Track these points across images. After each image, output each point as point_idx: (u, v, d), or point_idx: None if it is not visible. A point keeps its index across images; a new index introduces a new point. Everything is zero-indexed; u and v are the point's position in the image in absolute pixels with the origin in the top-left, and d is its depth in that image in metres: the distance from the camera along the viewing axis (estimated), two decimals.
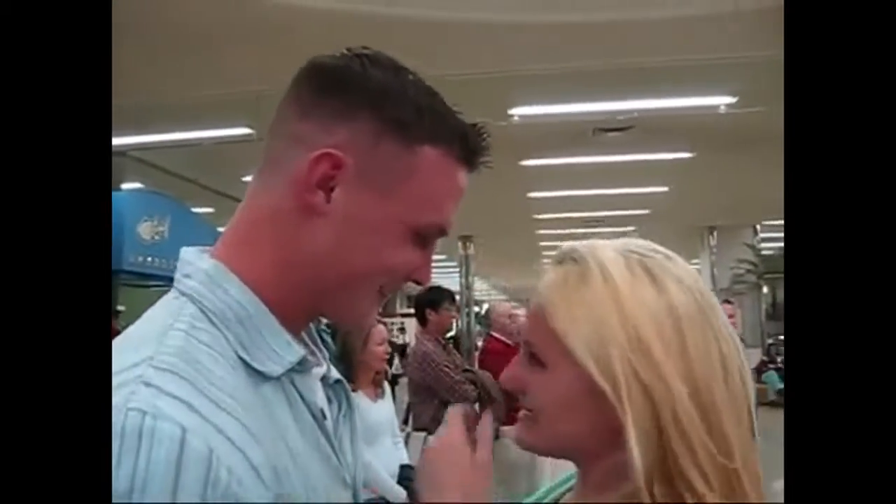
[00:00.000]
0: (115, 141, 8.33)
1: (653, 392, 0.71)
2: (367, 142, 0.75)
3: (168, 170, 10.12)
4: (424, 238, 0.79)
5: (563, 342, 0.75)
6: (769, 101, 7.12)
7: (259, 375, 0.71)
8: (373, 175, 0.75)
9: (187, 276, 0.77)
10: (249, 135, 8.08)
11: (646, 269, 0.78)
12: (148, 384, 0.62)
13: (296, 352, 0.75)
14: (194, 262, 0.78)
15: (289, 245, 0.76)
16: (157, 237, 9.57)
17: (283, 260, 0.76)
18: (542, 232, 15.16)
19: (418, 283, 0.83)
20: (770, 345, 15.36)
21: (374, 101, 0.75)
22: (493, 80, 6.72)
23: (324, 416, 0.79)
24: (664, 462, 0.70)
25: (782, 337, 15.97)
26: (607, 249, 0.80)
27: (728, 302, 5.59)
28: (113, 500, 0.57)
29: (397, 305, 19.22)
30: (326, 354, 0.89)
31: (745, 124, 7.69)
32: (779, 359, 14.80)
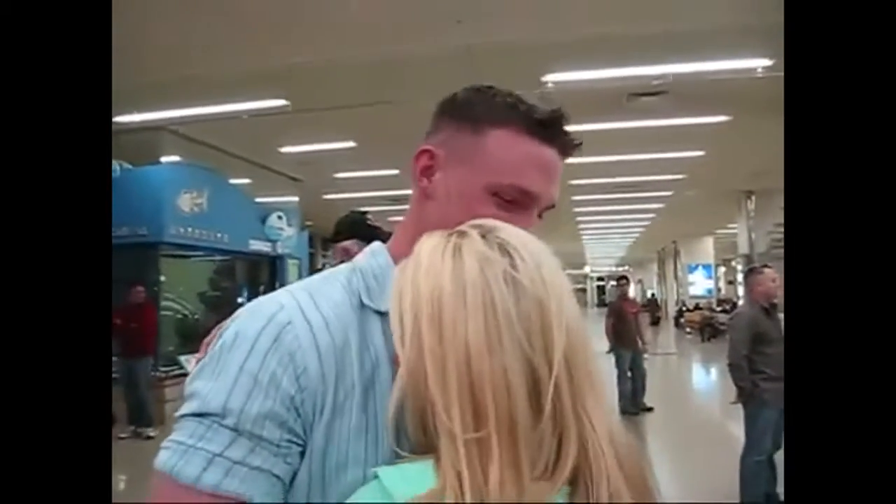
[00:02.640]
0: (153, 115, 8.47)
1: (416, 368, 0.77)
2: (451, 136, 1.03)
3: (206, 142, 10.26)
4: (506, 198, 0.99)
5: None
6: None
7: (368, 309, 0.97)
8: (457, 157, 1.02)
9: (364, 253, 1.09)
10: (285, 106, 8.15)
11: (455, 249, 0.83)
12: (287, 290, 0.97)
13: None
14: (372, 245, 1.10)
15: (417, 222, 1.04)
16: (196, 209, 9.73)
17: (414, 235, 0.97)
18: (576, 198, 15.12)
19: None
20: None
21: (454, 110, 1.05)
22: (526, 49, 6.71)
23: None
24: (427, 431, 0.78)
25: None
26: (435, 236, 0.87)
27: (767, 266, 5.55)
28: (219, 348, 0.88)
29: None
30: None
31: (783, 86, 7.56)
32: None
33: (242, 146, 10.57)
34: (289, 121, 8.77)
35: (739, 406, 5.10)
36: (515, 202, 1.00)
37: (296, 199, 13.42)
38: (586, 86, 7.45)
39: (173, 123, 9.13)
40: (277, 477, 0.85)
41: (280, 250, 12.04)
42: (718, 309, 22.19)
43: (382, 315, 0.96)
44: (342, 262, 3.50)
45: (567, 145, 1.03)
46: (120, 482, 6.79)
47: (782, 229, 14.10)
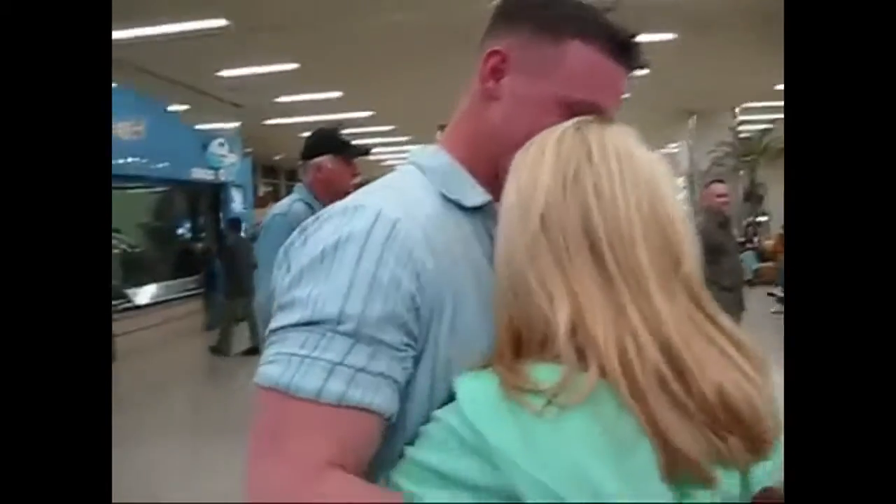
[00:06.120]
0: None
1: (503, 253, 0.83)
2: (526, 41, 0.98)
3: (143, 67, 9.84)
4: (577, 115, 0.93)
5: None
6: None
7: (454, 206, 0.97)
8: (531, 64, 0.97)
9: (412, 155, 1.05)
10: (226, 26, 7.83)
11: (556, 141, 0.85)
12: (366, 192, 0.94)
13: (485, 197, 0.98)
14: (417, 148, 1.08)
15: (477, 124, 1.02)
16: (135, 137, 9.42)
17: (473, 135, 1.02)
18: None
19: None
20: (747, 226, 15.56)
21: (531, 12, 0.99)
22: None
23: None
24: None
25: (759, 218, 16.17)
26: (557, 129, 0.88)
27: (720, 181, 5.70)
28: (320, 251, 0.82)
29: None
30: None
31: (730, 5, 7.55)
32: (755, 239, 15.04)
33: (180, 71, 10.16)
34: (228, 43, 8.45)
35: None
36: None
37: (237, 125, 13.08)
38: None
39: None
40: (398, 384, 0.81)
41: (223, 178, 11.79)
42: None
43: (466, 210, 0.97)
44: (315, 179, 3.41)
45: (634, 65, 1.01)
46: None
47: (723, 148, 14.33)
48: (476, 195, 0.99)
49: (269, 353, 0.80)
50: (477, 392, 0.74)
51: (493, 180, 0.98)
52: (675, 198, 0.84)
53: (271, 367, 0.78)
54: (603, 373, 0.71)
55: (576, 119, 0.89)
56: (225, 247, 9.76)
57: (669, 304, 0.76)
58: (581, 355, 0.72)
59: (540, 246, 0.79)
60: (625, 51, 0.98)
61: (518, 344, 0.79)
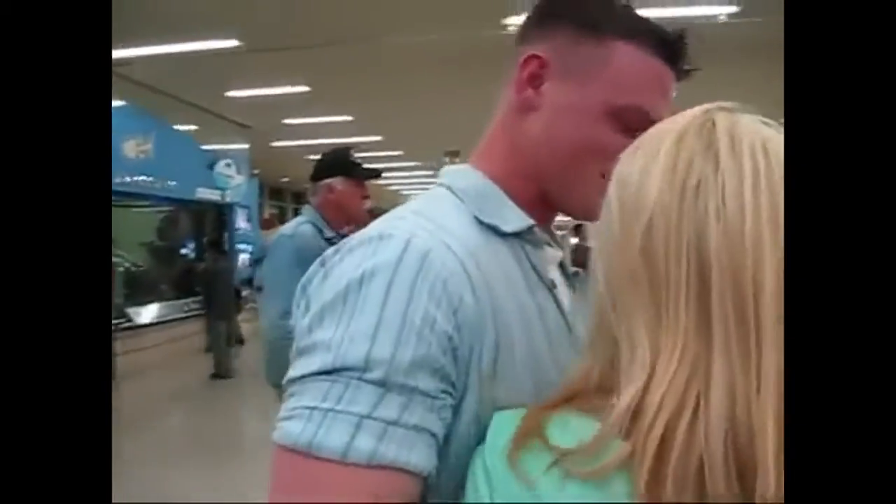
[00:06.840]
0: None
1: (601, 281, 0.68)
2: (567, 43, 0.90)
3: (151, 86, 9.82)
4: (626, 122, 0.86)
5: None
6: (772, 11, 6.94)
7: (491, 231, 0.87)
8: (573, 69, 0.89)
9: (442, 175, 0.96)
10: (238, 47, 7.79)
11: (675, 141, 0.66)
12: (394, 217, 0.83)
13: (525, 221, 0.90)
14: (449, 167, 0.98)
15: (513, 138, 0.93)
16: (141, 155, 9.37)
17: (510, 151, 0.93)
18: None
19: None
20: None
21: (571, 11, 0.91)
22: None
23: (554, 286, 0.92)
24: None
25: None
26: (678, 119, 0.70)
27: None
28: (343, 286, 0.72)
29: None
30: (567, 252, 1.05)
31: (746, 35, 7.50)
32: None
33: (189, 90, 10.15)
34: (238, 63, 8.44)
35: None
36: (630, 127, 0.83)
37: (245, 146, 13.06)
38: None
39: (117, 65, 8.70)
40: (434, 436, 0.70)
41: (229, 199, 11.73)
42: None
43: (503, 235, 0.88)
44: (325, 201, 3.40)
45: (682, 71, 0.91)
46: None
47: None
48: (515, 219, 0.89)
49: (287, 406, 0.70)
50: (501, 436, 0.65)
51: (534, 201, 0.93)
52: None
53: (290, 424, 0.68)
54: (633, 452, 0.58)
55: (701, 109, 0.68)
56: (205, 269, 9.71)
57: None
58: (635, 416, 0.59)
59: (638, 273, 0.63)
60: (674, 52, 0.89)
61: (580, 391, 0.66)
